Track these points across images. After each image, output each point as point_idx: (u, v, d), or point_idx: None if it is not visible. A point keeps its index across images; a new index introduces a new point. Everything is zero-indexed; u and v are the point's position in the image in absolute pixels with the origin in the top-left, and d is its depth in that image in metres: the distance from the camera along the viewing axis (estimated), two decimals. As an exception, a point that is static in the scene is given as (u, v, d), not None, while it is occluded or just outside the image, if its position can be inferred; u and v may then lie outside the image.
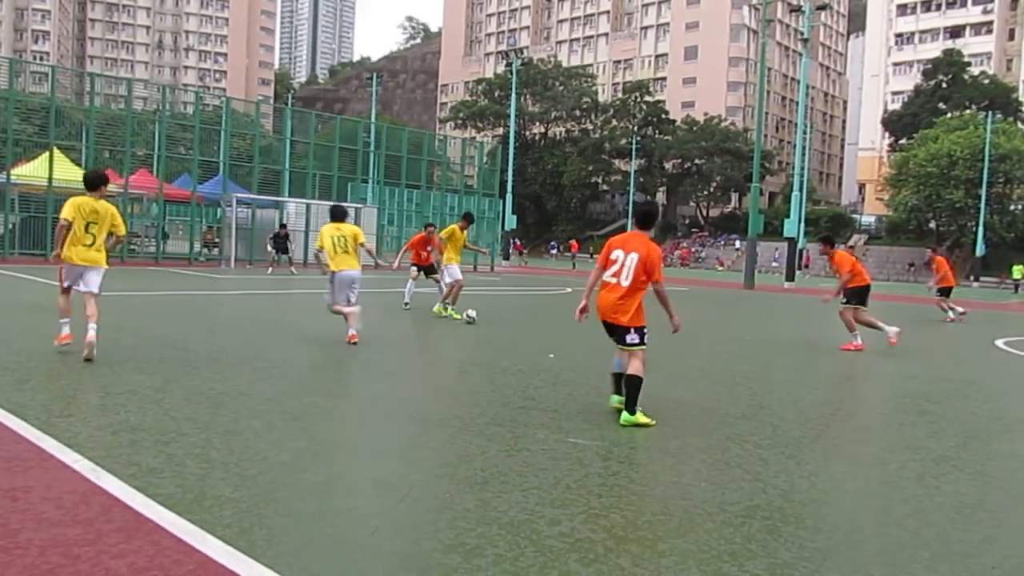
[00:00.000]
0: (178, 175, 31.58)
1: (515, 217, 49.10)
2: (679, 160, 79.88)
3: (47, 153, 24.43)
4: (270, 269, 24.57)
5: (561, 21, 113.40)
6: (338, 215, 10.00)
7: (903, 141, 68.46)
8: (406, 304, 13.76)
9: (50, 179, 23.74)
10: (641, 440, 5.30)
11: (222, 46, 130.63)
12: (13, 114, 24.55)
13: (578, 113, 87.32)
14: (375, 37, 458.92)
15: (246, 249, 28.04)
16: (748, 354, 10.95)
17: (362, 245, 9.78)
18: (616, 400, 6.07)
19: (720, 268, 62.79)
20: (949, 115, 65.35)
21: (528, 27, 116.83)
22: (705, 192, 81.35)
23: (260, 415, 5.48)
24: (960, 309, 18.56)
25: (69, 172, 25.18)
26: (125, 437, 4.70)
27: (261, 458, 4.47)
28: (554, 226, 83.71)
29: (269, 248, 25.33)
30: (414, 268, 14.14)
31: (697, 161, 78.14)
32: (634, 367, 5.77)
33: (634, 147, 77.27)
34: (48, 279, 14.59)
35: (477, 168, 40.59)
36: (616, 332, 5.88)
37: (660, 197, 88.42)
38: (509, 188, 49.78)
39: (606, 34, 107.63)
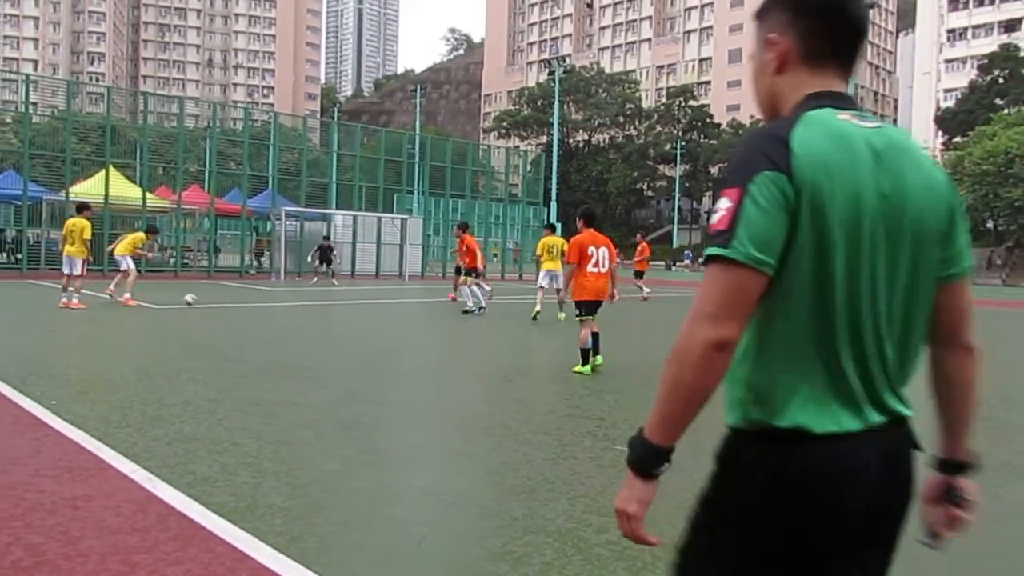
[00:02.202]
0: (228, 190, 32.20)
1: (560, 225, 49.08)
2: (725, 164, 79.05)
3: (103, 171, 25.10)
4: (315, 279, 24.98)
5: (603, 28, 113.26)
6: (80, 209, 14.37)
7: (957, 139, 66.77)
8: (482, 309, 14.41)
9: (106, 196, 24.38)
10: (689, 447, 5.24)
11: (269, 63, 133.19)
12: (71, 134, 25.31)
13: (622, 119, 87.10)
14: (419, 49, 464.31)
15: (295, 261, 28.48)
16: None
17: (86, 240, 13.64)
18: (600, 360, 8.31)
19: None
20: (1007, 111, 63.56)
21: (570, 35, 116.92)
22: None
23: (310, 424, 5.57)
24: (646, 290, 21.52)
25: (125, 189, 25.84)
26: (180, 447, 4.81)
27: (311, 467, 4.54)
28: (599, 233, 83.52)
29: (314, 261, 25.77)
30: (468, 275, 14.71)
31: (744, 165, 77.27)
32: (597, 325, 8.31)
33: (679, 152, 76.80)
34: (104, 294, 14.97)
35: (521, 177, 40.70)
36: (597, 306, 8.33)
37: (706, 201, 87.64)
38: (553, 196, 49.83)
39: (649, 39, 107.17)
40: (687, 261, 72.49)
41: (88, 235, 13.70)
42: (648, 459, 1.36)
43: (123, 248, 15.09)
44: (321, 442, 5.08)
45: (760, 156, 1.30)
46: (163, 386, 6.78)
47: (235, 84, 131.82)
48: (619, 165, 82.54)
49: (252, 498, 3.90)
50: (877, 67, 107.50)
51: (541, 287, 14.38)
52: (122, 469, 4.30)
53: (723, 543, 1.37)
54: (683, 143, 78.74)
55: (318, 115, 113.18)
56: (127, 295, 14.28)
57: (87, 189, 25.03)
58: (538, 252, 14.95)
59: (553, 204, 48.14)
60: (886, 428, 1.38)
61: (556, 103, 57.19)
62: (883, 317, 1.36)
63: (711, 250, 1.30)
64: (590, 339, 8.10)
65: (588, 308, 8.29)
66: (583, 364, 8.10)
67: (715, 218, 1.32)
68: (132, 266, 14.82)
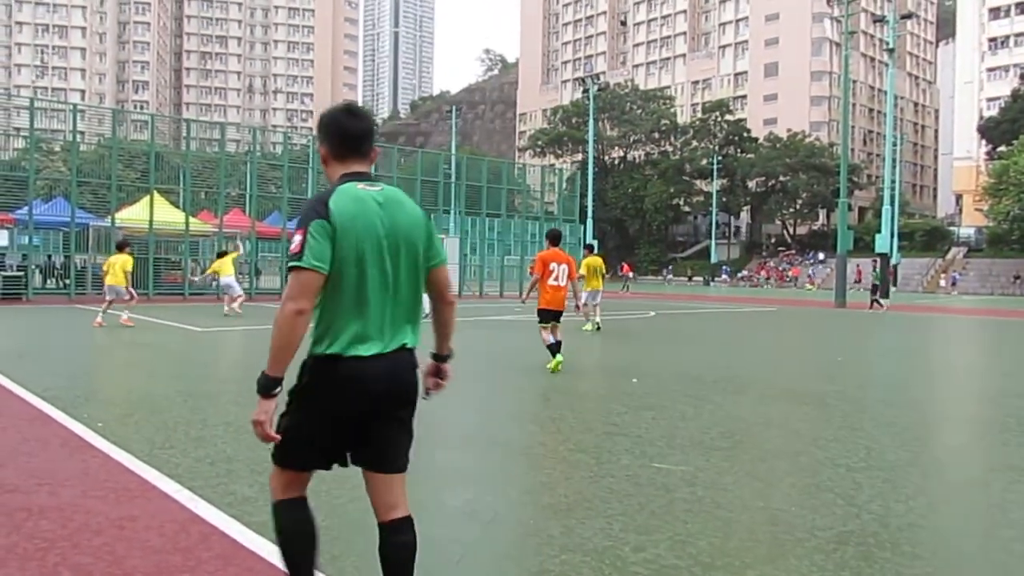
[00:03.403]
0: (269, 213, 32.73)
1: (596, 242, 49.00)
2: (763, 178, 78.25)
3: (148, 197, 25.67)
4: None
5: (637, 45, 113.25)
6: (120, 247, 15.46)
7: (1002, 148, 65.40)
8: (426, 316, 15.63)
9: (151, 221, 24.93)
10: (728, 464, 5.20)
11: (308, 87, 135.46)
12: (117, 161, 25.93)
13: (657, 135, 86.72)
14: (454, 71, 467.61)
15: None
16: (839, 374, 10.61)
17: (126, 272, 14.69)
18: (557, 360, 9.45)
19: (810, 287, 61.09)
20: (1051, 119, 62.13)
21: (604, 53, 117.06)
22: (791, 209, 79.37)
23: (348, 444, 5.60)
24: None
25: (168, 214, 26.39)
26: (221, 467, 4.90)
27: (349, 486, 4.57)
28: (636, 249, 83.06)
29: None
30: None
31: (782, 178, 76.41)
32: (561, 333, 9.83)
33: (715, 167, 76.22)
34: (148, 316, 15.31)
35: (557, 195, 40.73)
36: (556, 315, 9.70)
37: (744, 216, 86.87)
38: (589, 213, 49.75)
39: (683, 55, 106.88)
40: (725, 276, 71.76)
41: (128, 268, 15.04)
42: (269, 385, 2.41)
43: (229, 270, 18.24)
44: (359, 462, 5.12)
45: (314, 212, 2.40)
46: (205, 407, 6.90)
47: (274, 109, 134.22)
48: (655, 181, 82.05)
49: (292, 517, 3.94)
50: (917, 78, 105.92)
51: (587, 304, 15.05)
52: (166, 489, 4.38)
53: (297, 412, 2.55)
54: (720, 158, 78.13)
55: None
56: (235, 305, 17.74)
57: (132, 215, 25.63)
58: (583, 272, 15.54)
59: (589, 222, 48.07)
60: (397, 352, 2.53)
61: (591, 120, 57.28)
62: (396, 289, 2.50)
63: (293, 263, 2.37)
64: (551, 338, 9.56)
65: (545, 316, 9.69)
66: (553, 357, 9.52)
67: (293, 245, 2.38)
68: (239, 290, 18.24)
